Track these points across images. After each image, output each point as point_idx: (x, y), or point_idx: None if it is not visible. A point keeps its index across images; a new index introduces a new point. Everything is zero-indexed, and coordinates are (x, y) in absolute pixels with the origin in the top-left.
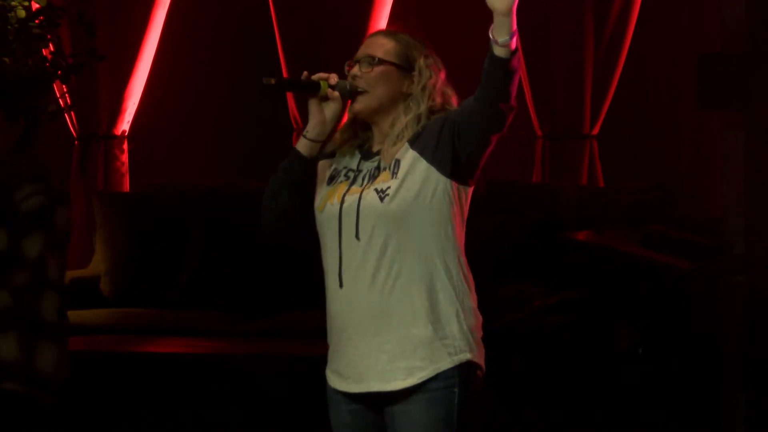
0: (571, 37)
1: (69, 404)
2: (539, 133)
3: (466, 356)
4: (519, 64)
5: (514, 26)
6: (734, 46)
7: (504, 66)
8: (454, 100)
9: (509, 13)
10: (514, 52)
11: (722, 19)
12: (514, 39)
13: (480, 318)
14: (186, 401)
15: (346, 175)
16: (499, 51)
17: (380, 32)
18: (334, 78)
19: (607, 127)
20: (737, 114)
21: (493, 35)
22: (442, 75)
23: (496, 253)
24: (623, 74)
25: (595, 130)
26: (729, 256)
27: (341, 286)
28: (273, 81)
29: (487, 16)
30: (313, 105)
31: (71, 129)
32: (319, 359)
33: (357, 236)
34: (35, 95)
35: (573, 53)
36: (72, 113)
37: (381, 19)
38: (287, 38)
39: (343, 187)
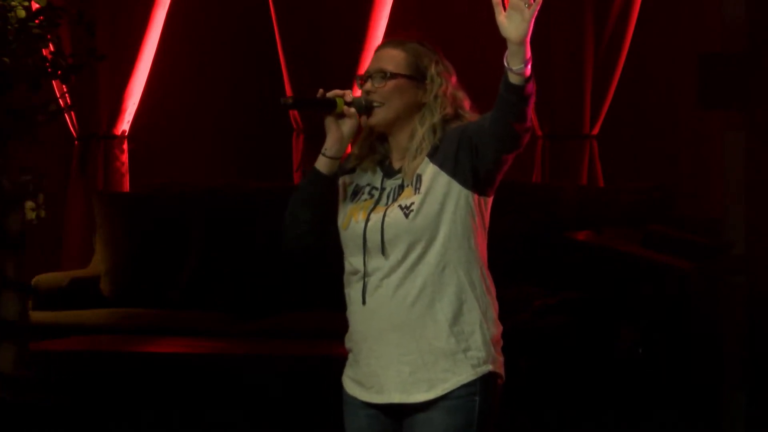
0: (571, 37)
1: (69, 404)
2: (539, 133)
3: (488, 368)
4: (534, 89)
5: (528, 54)
6: (734, 46)
7: (519, 92)
8: (466, 104)
9: (523, 42)
10: (528, 79)
11: (722, 19)
12: (529, 66)
13: (501, 327)
14: (186, 401)
15: (370, 193)
16: (513, 78)
17: (389, 43)
18: (349, 94)
19: (607, 127)
20: (737, 114)
21: (507, 62)
22: (453, 80)
23: (496, 253)
24: (623, 74)
25: (595, 130)
26: (729, 256)
27: (365, 300)
28: (290, 101)
29: (487, 16)
30: (330, 122)
31: (71, 129)
32: (320, 359)
33: (383, 252)
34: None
35: (573, 53)
36: (72, 113)
37: (381, 20)
38: (287, 38)
39: (368, 205)
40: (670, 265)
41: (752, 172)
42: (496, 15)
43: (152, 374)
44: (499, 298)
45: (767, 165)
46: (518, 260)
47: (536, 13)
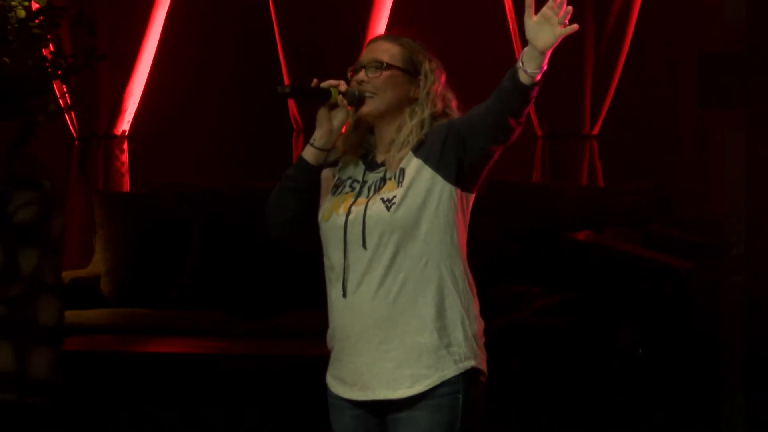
0: (571, 37)
1: (69, 404)
2: (539, 133)
3: (470, 363)
4: (536, 93)
5: (545, 64)
6: (734, 46)
7: (524, 92)
8: (454, 104)
9: (545, 52)
10: (537, 83)
11: (723, 19)
12: (541, 74)
13: (482, 323)
14: (186, 401)
15: (351, 186)
16: (524, 77)
17: (383, 37)
18: (343, 85)
19: (607, 127)
20: (737, 114)
21: (522, 61)
22: (443, 79)
23: (496, 253)
24: (623, 74)
25: (595, 130)
26: (729, 256)
27: (345, 295)
28: (287, 89)
29: (487, 18)
30: (322, 113)
31: (71, 129)
32: (319, 359)
33: (364, 246)
34: (31, 96)
35: (573, 53)
36: (72, 113)
37: (381, 20)
38: (287, 38)
39: (349, 198)
40: (669, 265)
41: (752, 172)
42: (525, 16)
43: (152, 374)
44: (493, 296)
45: (767, 165)
46: (508, 261)
47: (566, 35)
